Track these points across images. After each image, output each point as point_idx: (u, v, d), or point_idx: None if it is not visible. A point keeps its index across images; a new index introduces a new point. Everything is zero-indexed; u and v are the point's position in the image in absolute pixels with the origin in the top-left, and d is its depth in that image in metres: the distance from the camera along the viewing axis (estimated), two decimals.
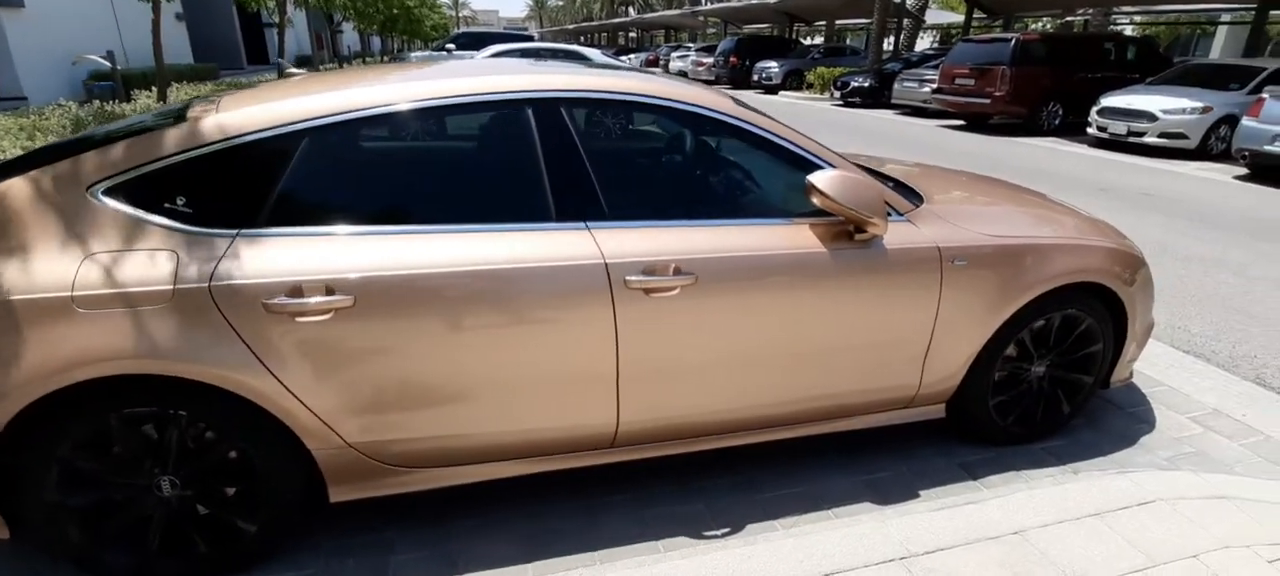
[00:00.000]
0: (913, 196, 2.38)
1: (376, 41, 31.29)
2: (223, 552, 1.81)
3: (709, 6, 33.04)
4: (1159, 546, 1.90)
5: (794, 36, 28.74)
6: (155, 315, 1.54)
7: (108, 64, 10.36)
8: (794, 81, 21.08)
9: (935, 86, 13.26)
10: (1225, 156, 9.01)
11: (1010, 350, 2.36)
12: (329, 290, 1.64)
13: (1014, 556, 1.86)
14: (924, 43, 28.86)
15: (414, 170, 2.00)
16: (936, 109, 13.54)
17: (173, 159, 1.65)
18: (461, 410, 1.82)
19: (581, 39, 57.39)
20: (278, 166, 1.70)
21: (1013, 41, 11.94)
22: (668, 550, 1.99)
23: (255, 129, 1.70)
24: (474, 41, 15.41)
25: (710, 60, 24.30)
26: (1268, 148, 7.74)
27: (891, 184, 2.46)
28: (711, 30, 39.27)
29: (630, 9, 59.67)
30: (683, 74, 25.55)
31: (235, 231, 1.64)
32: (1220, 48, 25.03)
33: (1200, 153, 9.51)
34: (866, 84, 16.59)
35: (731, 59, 22.74)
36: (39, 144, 5.56)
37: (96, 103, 8.53)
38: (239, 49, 22.89)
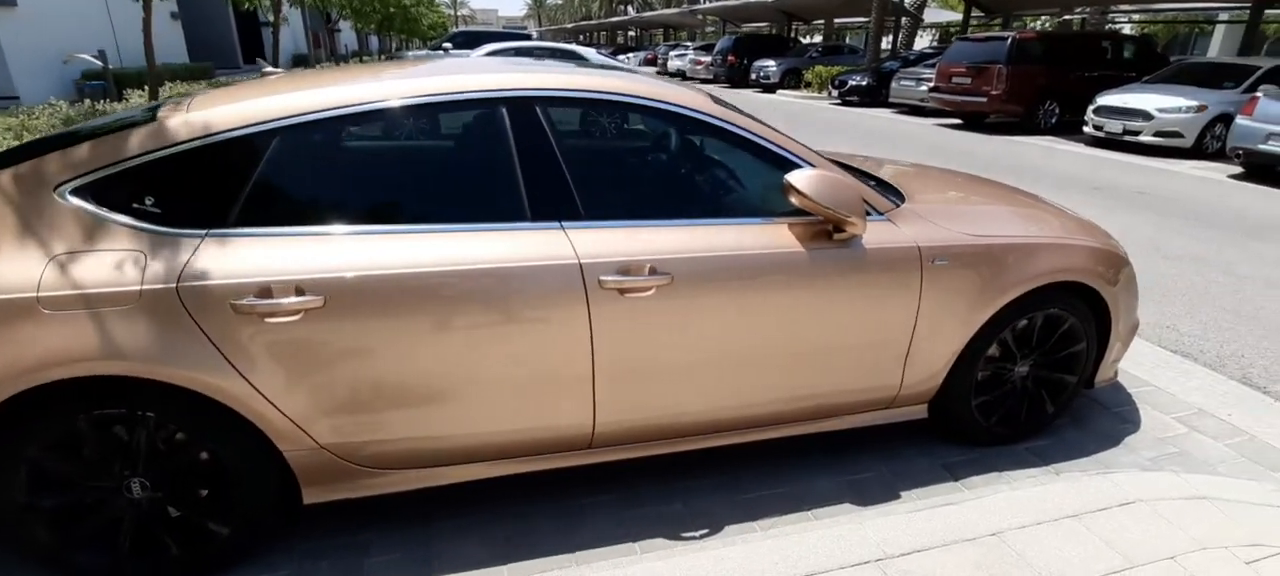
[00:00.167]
0: (894, 195, 2.37)
1: (374, 41, 31.23)
2: (195, 555, 1.80)
3: (707, 5, 32.97)
4: (1137, 547, 1.89)
5: (792, 35, 28.73)
6: (122, 316, 1.53)
7: (99, 63, 10.30)
8: (792, 80, 21.05)
9: (932, 85, 13.25)
10: (1220, 155, 9.02)
11: (993, 350, 2.35)
12: (299, 291, 1.62)
13: (991, 558, 1.85)
14: (922, 41, 28.88)
15: (387, 169, 1.99)
16: (934, 108, 13.53)
17: (141, 158, 1.64)
18: (435, 411, 1.81)
19: (580, 38, 57.39)
20: (247, 166, 1.69)
21: (1009, 40, 11.92)
22: (645, 552, 1.98)
23: (225, 128, 1.69)
24: (471, 40, 15.39)
25: (708, 59, 24.28)
26: (1262, 146, 7.75)
27: (872, 183, 2.45)
28: (710, 29, 39.26)
29: (629, 7, 59.59)
30: (681, 73, 25.53)
31: (204, 232, 1.63)
32: (1218, 46, 25.05)
33: (1196, 151, 9.52)
34: (864, 83, 16.58)
35: (729, 57, 22.73)
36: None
37: (88, 102, 8.47)
38: (235, 48, 22.82)
